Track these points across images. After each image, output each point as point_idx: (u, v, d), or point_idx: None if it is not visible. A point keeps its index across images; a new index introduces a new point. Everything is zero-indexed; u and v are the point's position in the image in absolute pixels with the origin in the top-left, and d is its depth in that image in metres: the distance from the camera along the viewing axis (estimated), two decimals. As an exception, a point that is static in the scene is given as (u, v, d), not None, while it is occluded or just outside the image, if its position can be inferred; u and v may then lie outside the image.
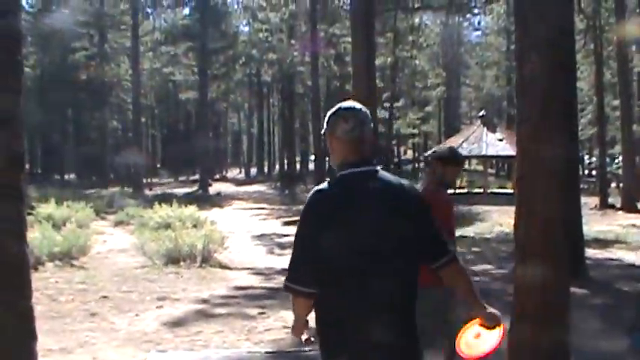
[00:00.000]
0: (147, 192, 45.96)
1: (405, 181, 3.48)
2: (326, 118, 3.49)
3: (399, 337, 3.24)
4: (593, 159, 53.41)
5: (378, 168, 3.40)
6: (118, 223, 24.49)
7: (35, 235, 13.91)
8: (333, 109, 3.47)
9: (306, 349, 7.61)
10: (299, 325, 3.44)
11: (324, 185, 3.39)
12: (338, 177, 3.37)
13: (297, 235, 3.32)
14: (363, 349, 3.16)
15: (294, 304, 3.35)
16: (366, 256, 3.18)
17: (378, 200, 3.25)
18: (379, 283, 3.17)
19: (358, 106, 3.45)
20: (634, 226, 23.77)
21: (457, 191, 42.96)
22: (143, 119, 64.31)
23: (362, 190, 3.27)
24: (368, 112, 3.44)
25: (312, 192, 3.38)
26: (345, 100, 3.70)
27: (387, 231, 3.24)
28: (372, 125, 3.48)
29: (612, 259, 15.61)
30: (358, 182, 3.29)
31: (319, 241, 3.16)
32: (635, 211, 30.86)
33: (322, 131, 3.53)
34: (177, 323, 9.01)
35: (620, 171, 41.68)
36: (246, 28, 69.47)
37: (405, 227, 3.27)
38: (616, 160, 48.93)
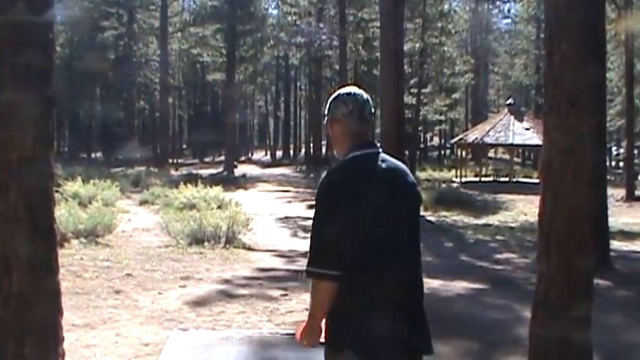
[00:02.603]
0: (172, 172, 46.16)
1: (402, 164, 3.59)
2: (327, 103, 3.57)
3: (422, 313, 3.41)
4: (621, 150, 53.05)
5: (380, 150, 3.47)
6: (143, 203, 24.62)
7: (61, 213, 14.02)
8: (334, 95, 3.55)
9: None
10: (317, 324, 3.30)
11: (337, 168, 3.45)
12: (348, 159, 3.40)
13: (320, 218, 3.28)
14: (400, 330, 3.22)
15: (316, 292, 3.25)
16: (391, 236, 3.25)
17: (391, 180, 3.37)
18: (409, 258, 3.36)
19: (358, 90, 3.53)
20: (661, 219, 23.61)
21: (483, 180, 42.90)
22: (170, 100, 64.56)
23: (375, 170, 3.36)
24: (367, 96, 3.51)
25: (326, 176, 3.41)
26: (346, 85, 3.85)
27: (406, 210, 3.41)
28: (372, 109, 3.51)
29: (637, 252, 15.54)
30: (369, 163, 3.37)
31: (346, 223, 3.16)
32: (663, 203, 30.63)
33: (325, 118, 3.60)
34: (199, 303, 9.06)
35: (647, 163, 41.38)
36: (275, 11, 69.59)
37: (416, 208, 3.54)
38: (644, 152, 48.54)
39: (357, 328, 3.16)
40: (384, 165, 3.38)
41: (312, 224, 3.29)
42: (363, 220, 3.16)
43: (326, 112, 3.56)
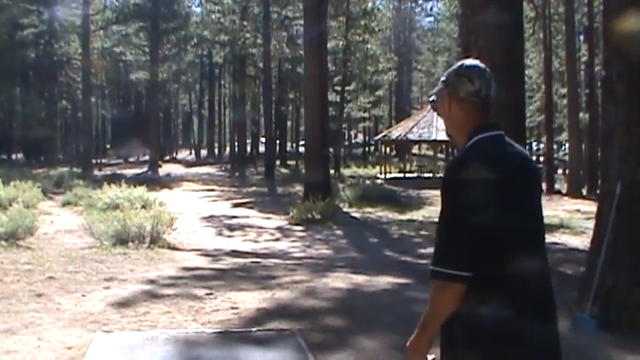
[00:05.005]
0: (96, 172, 45.58)
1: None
2: (445, 77, 3.09)
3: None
4: (541, 145, 54.23)
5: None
6: (66, 204, 24.22)
7: (-20, 215, 13.74)
8: (455, 67, 3.08)
9: (253, 329, 7.66)
10: (427, 338, 2.86)
11: (465, 154, 2.95)
12: (474, 142, 2.94)
13: (448, 211, 2.82)
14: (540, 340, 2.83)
15: (441, 296, 2.80)
16: (527, 229, 2.89)
17: (520, 166, 2.98)
18: (542, 256, 2.96)
19: (483, 65, 3.05)
20: (578, 211, 24.26)
21: (407, 176, 43.36)
22: (93, 99, 63.71)
23: (504, 154, 2.93)
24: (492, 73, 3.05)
25: (452, 164, 3.05)
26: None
27: (538, 201, 3.03)
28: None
29: (557, 244, 15.89)
30: (497, 147, 2.94)
31: (478, 215, 2.73)
32: (580, 196, 31.50)
33: (436, 92, 3.15)
34: (124, 304, 8.96)
35: (566, 158, 42.43)
36: (199, 9, 69.22)
37: (540, 197, 3.08)
38: (563, 147, 49.73)
39: (496, 330, 2.74)
40: (511, 149, 2.97)
41: (440, 218, 2.86)
42: (497, 211, 2.75)
43: (444, 86, 3.06)
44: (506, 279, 2.76)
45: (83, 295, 9.45)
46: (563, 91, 43.83)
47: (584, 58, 42.03)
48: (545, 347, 2.88)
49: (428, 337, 2.85)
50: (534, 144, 62.57)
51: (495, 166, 2.82)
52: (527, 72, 40.22)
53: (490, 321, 2.73)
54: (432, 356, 2.87)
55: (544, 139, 45.41)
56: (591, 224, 9.68)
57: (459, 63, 3.10)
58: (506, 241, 2.77)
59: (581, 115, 38.09)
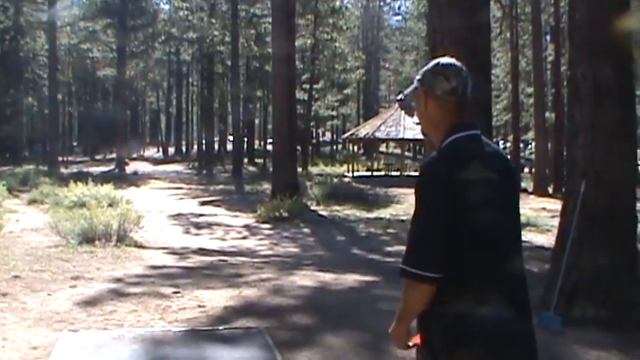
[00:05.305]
0: (62, 170, 45.17)
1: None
2: (420, 75, 3.10)
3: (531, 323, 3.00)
4: (508, 144, 54.64)
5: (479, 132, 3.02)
6: (32, 202, 24.00)
7: (-56, 213, 13.59)
8: (431, 66, 3.07)
9: (220, 327, 7.66)
10: (404, 329, 3.01)
11: (439, 153, 2.94)
12: (450, 142, 2.93)
13: (421, 211, 2.84)
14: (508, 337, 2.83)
15: (410, 295, 2.86)
16: (503, 228, 2.91)
17: (497, 166, 2.94)
18: (517, 255, 3.01)
19: (459, 63, 3.01)
20: (544, 209, 24.43)
21: (374, 174, 43.49)
22: (59, 96, 63.09)
23: (480, 154, 2.92)
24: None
25: (427, 162, 3.02)
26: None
27: (515, 201, 3.08)
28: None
29: (523, 242, 15.96)
30: (473, 147, 2.94)
31: (451, 216, 2.75)
32: (546, 195, 31.78)
33: (408, 91, 3.19)
34: (90, 302, 8.90)
35: (532, 156, 42.78)
36: (167, 6, 68.93)
37: (518, 197, 3.16)
38: (529, 146, 50.12)
39: (473, 325, 2.76)
40: (488, 149, 2.98)
41: (413, 217, 2.88)
42: (471, 212, 2.77)
43: (419, 84, 3.07)
44: (485, 279, 2.81)
45: (49, 294, 9.37)
46: (530, 90, 44.20)
47: (550, 58, 42.41)
48: (528, 345, 2.93)
49: (404, 327, 2.99)
50: (501, 143, 63.12)
51: (472, 165, 2.82)
52: (494, 71, 40.63)
53: (477, 321, 2.76)
54: (414, 342, 3.01)
55: (510, 138, 45.76)
56: (557, 222, 9.76)
57: (435, 61, 3.08)
58: (483, 241, 2.79)
59: (547, 114, 38.43)
